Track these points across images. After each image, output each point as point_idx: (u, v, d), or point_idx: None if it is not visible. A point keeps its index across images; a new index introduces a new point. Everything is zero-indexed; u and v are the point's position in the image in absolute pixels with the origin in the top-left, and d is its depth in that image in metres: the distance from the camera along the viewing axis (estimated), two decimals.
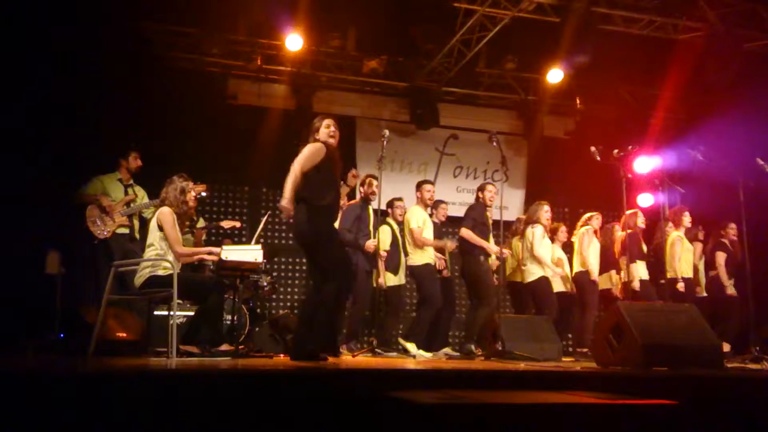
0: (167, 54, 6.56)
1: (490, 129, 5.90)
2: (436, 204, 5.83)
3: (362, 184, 5.58)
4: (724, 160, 5.34)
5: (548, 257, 5.61)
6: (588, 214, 6.09)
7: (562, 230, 6.09)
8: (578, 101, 7.81)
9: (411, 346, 5.04)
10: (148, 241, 4.00)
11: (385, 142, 4.82)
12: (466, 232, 5.40)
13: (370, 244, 5.23)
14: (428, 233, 5.45)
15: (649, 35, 6.48)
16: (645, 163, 6.37)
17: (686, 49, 6.50)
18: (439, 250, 5.62)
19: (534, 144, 7.93)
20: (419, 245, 5.38)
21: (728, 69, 6.24)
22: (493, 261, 5.53)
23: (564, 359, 4.94)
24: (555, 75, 6.94)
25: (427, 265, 5.39)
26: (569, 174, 7.31)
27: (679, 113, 7.92)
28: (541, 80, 7.38)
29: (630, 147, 5.20)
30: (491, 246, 5.44)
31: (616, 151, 5.07)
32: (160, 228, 3.94)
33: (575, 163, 6.69)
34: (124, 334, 4.09)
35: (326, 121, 3.78)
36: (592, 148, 5.06)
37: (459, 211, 7.10)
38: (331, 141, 3.75)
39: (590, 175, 6.17)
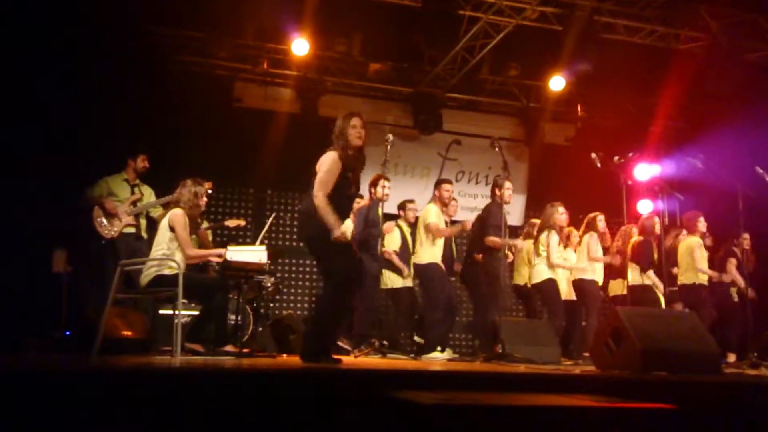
0: (175, 56, 6.61)
1: (493, 135, 5.91)
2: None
3: (372, 185, 5.49)
4: (723, 169, 5.37)
5: (564, 263, 5.64)
6: (591, 215, 5.99)
7: (575, 234, 6.02)
8: (579, 109, 7.86)
9: (436, 354, 5.06)
10: (156, 240, 4.01)
11: (388, 147, 4.81)
12: (492, 241, 5.27)
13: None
14: None
15: (651, 44, 6.53)
16: (645, 171, 6.40)
17: (687, 58, 6.53)
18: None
19: (535, 150, 7.97)
20: (438, 236, 5.34)
21: (729, 79, 6.28)
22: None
23: (565, 361, 4.98)
24: (557, 82, 6.98)
25: (432, 264, 5.33)
26: (570, 180, 7.32)
27: (680, 122, 7.95)
28: (544, 87, 7.43)
29: (630, 154, 5.23)
30: (517, 241, 5.55)
31: (616, 158, 5.09)
32: (172, 229, 3.95)
33: (576, 169, 6.70)
34: (129, 333, 4.10)
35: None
36: (593, 155, 5.08)
37: (461, 215, 7.14)
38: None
39: (590, 182, 6.20)
